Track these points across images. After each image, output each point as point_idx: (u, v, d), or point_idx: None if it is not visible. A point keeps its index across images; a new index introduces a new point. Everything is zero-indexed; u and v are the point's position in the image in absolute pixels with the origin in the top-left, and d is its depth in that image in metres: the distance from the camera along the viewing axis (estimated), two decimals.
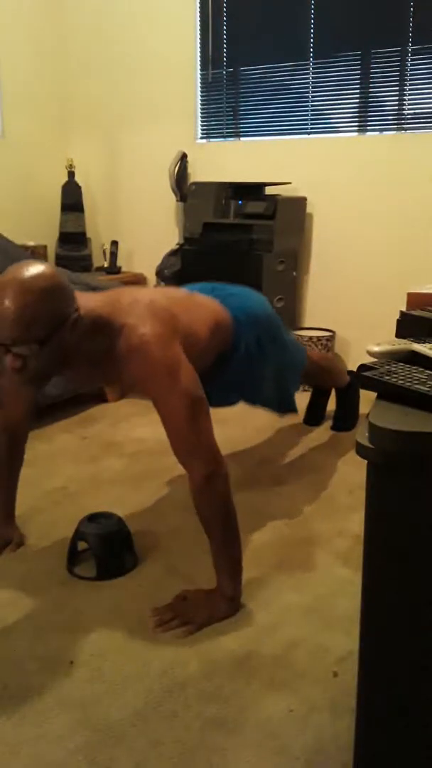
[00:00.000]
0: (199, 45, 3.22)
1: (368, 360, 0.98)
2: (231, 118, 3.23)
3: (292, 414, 2.04)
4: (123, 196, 3.62)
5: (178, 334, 1.42)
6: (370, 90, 2.87)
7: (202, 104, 3.29)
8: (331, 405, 2.52)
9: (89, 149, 3.65)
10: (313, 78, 2.98)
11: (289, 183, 3.04)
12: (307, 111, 3.03)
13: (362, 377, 0.90)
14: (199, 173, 3.33)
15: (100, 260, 3.57)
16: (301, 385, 2.30)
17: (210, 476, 1.36)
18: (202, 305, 1.65)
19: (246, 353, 1.72)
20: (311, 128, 3.04)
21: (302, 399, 2.45)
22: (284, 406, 1.99)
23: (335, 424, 2.47)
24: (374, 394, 0.88)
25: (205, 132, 3.32)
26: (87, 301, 1.38)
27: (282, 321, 1.94)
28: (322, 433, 2.46)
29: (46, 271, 1.23)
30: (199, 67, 3.24)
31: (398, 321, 1.19)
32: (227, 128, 3.25)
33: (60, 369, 1.35)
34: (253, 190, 3.02)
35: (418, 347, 1.00)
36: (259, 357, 1.76)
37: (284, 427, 2.50)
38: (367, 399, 2.51)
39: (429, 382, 0.85)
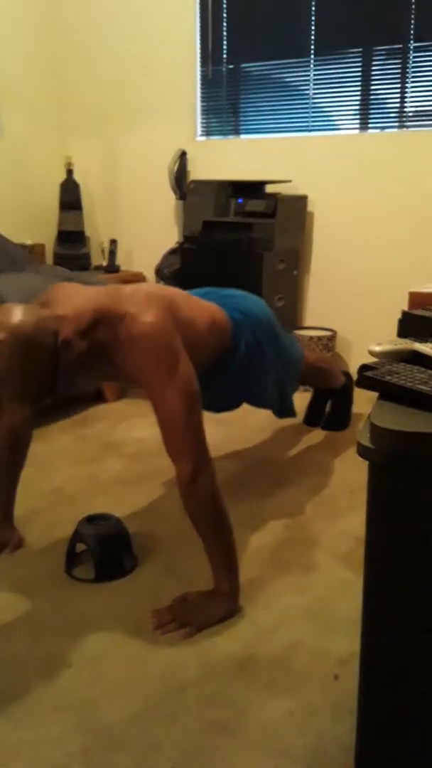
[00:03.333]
0: (199, 41, 3.20)
1: (369, 360, 0.97)
2: (231, 115, 3.22)
3: (290, 418, 2.03)
4: (122, 194, 3.61)
5: (178, 326, 1.42)
6: (372, 87, 2.85)
7: (202, 101, 3.28)
8: None
9: (88, 147, 3.64)
10: (314, 75, 2.97)
11: (290, 181, 3.03)
12: (308, 108, 3.02)
13: (364, 377, 0.89)
14: (198, 171, 3.32)
15: (98, 259, 3.56)
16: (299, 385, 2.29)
17: (196, 473, 1.36)
18: (200, 303, 1.65)
19: (246, 353, 1.71)
20: (312, 126, 3.03)
21: (302, 399, 2.44)
22: (283, 410, 1.98)
23: (327, 423, 2.46)
24: (376, 394, 0.87)
25: (204, 129, 3.31)
26: (82, 297, 1.38)
27: (280, 322, 1.93)
28: (322, 433, 2.45)
29: (8, 337, 1.22)
30: (199, 64, 3.23)
31: (400, 320, 1.18)
32: (227, 125, 3.24)
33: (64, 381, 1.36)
34: (253, 189, 3.01)
35: (419, 347, 0.99)
36: (258, 357, 1.75)
37: (284, 427, 2.49)
38: (368, 399, 2.50)
39: (431, 382, 0.84)
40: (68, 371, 1.33)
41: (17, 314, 1.26)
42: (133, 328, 1.35)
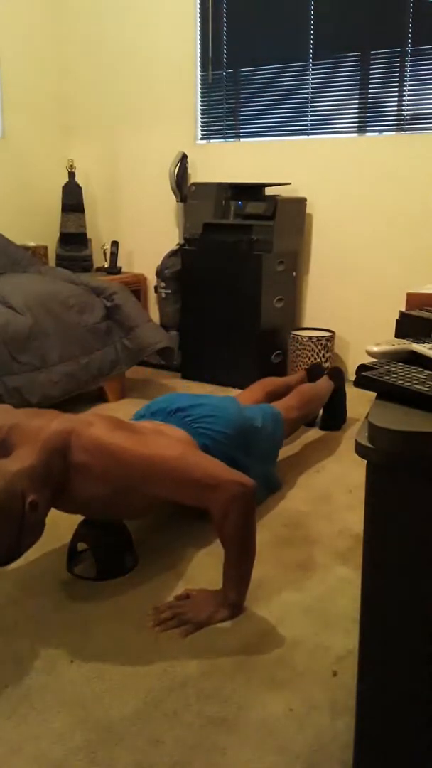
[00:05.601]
0: (199, 46, 3.22)
1: (368, 360, 0.98)
2: (231, 118, 3.23)
3: (278, 490, 1.99)
4: (123, 196, 3.62)
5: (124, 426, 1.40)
6: (370, 91, 2.87)
7: (202, 105, 3.29)
8: None
9: (90, 150, 3.65)
10: (312, 79, 2.98)
11: (289, 184, 3.05)
12: (306, 112, 3.04)
13: (362, 377, 0.90)
14: (199, 174, 3.33)
15: (100, 260, 3.58)
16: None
17: (235, 497, 1.33)
18: (170, 437, 1.59)
19: None
20: (311, 129, 3.04)
21: None
22: (270, 487, 1.96)
23: (324, 423, 2.48)
24: (374, 394, 0.88)
25: (205, 133, 3.32)
26: (28, 430, 1.34)
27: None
28: (319, 432, 2.47)
29: None
30: (199, 68, 3.25)
31: (397, 321, 1.19)
32: (227, 129, 3.26)
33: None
34: (252, 191, 3.02)
35: (417, 347, 1.00)
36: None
37: None
38: (366, 399, 2.52)
39: (428, 382, 0.85)
40: (34, 531, 1.29)
41: None
42: (82, 453, 1.32)
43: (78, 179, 3.52)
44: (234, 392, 2.62)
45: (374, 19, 2.78)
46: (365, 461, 0.78)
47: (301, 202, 3.02)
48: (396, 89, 2.81)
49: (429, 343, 1.03)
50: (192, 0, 3.17)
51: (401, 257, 2.90)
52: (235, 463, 1.70)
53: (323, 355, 2.95)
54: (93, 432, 1.35)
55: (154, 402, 1.84)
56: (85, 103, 3.62)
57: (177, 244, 3.26)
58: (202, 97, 3.28)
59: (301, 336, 2.95)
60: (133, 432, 1.41)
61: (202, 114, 3.31)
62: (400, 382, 0.85)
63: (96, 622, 1.39)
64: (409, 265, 2.87)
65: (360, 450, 0.78)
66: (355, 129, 2.94)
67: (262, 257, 2.85)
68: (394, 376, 0.88)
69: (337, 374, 2.45)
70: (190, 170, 3.34)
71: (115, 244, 3.44)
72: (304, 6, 2.92)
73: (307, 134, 3.06)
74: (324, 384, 2.37)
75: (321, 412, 2.48)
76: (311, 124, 3.04)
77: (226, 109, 3.23)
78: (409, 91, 2.78)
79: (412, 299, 1.31)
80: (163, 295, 3.25)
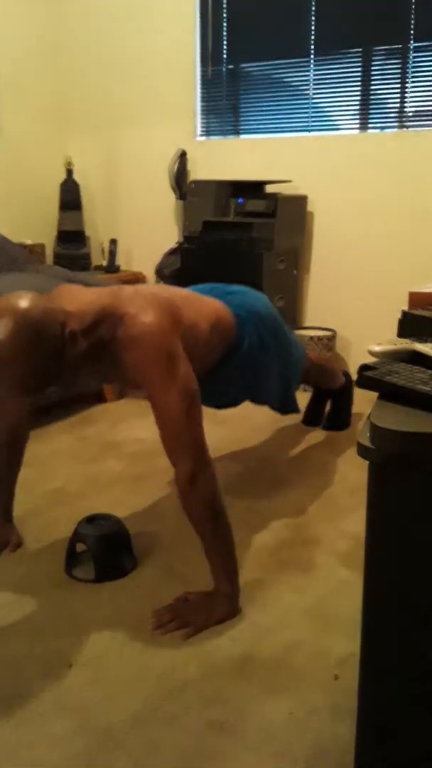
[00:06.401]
0: (199, 41, 3.20)
1: (369, 360, 0.97)
2: (231, 115, 3.22)
3: (293, 413, 2.04)
4: (122, 194, 3.61)
5: (179, 327, 1.42)
6: (372, 87, 2.85)
7: (202, 101, 3.28)
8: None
9: (88, 147, 3.64)
10: (314, 75, 2.97)
11: (290, 181, 3.03)
12: (308, 108, 3.02)
13: (364, 377, 0.89)
14: (198, 171, 3.32)
15: (99, 259, 3.56)
16: (300, 384, 2.29)
17: (196, 474, 1.36)
18: (203, 301, 1.65)
19: (249, 350, 1.72)
20: (312, 126, 3.03)
21: (302, 399, 2.44)
22: (287, 406, 1.98)
23: (328, 423, 2.47)
24: (375, 394, 0.87)
25: (204, 129, 3.31)
26: (86, 297, 1.38)
27: (283, 319, 1.93)
28: (322, 433, 2.46)
29: (17, 319, 1.21)
30: (198, 64, 3.23)
31: (400, 320, 1.19)
32: (227, 125, 3.24)
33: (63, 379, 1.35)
34: (253, 189, 3.01)
35: (419, 347, 0.99)
36: (262, 353, 1.75)
37: (284, 427, 2.49)
38: (368, 399, 2.51)
39: (431, 383, 0.84)
40: (70, 366, 1.32)
41: (26, 300, 1.25)
42: (132, 329, 1.35)
43: (76, 177, 3.51)
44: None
45: (376, 15, 2.76)
46: (367, 462, 0.77)
47: (302, 200, 3.00)
48: (398, 85, 2.79)
49: (431, 342, 1.02)
50: None
51: (403, 255, 2.88)
52: (262, 340, 1.74)
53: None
54: (143, 321, 1.36)
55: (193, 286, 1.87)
56: (83, 99, 3.61)
57: (176, 242, 3.25)
58: (202, 93, 3.27)
59: (302, 335, 2.94)
60: (176, 348, 1.39)
61: (202, 110, 3.29)
62: (402, 382, 0.85)
63: (95, 625, 1.38)
64: (411, 264, 2.86)
65: (362, 451, 0.77)
66: (357, 126, 2.92)
67: (262, 255, 2.84)
68: (396, 376, 0.87)
69: (347, 375, 2.45)
70: (189, 167, 3.32)
71: (113, 242, 3.43)
72: (306, 1, 2.90)
73: (309, 131, 3.04)
74: (338, 371, 2.38)
75: (326, 411, 2.47)
76: (312, 121, 3.02)
77: (226, 106, 3.22)
78: (412, 87, 2.76)
79: (415, 298, 1.30)
80: None
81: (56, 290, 1.49)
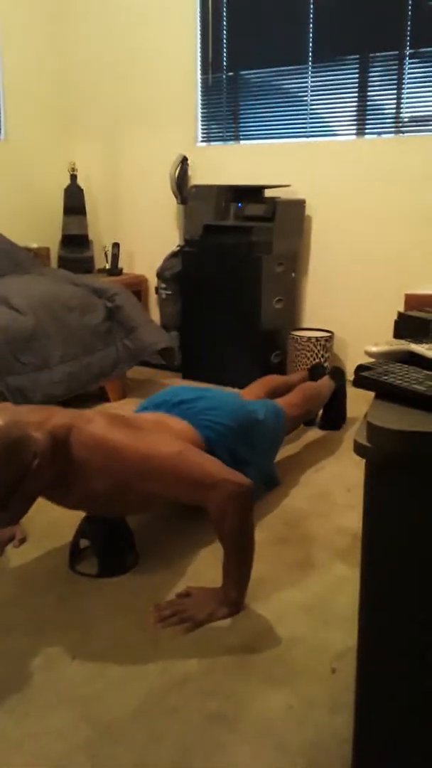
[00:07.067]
0: (199, 49, 3.23)
1: (366, 360, 0.99)
2: (231, 121, 3.25)
3: (277, 487, 2.00)
4: (124, 198, 3.63)
5: (127, 423, 1.41)
6: (369, 93, 2.88)
7: (202, 108, 3.31)
8: None
9: (91, 153, 3.66)
10: (312, 82, 3.00)
11: (289, 185, 3.06)
12: (306, 114, 3.05)
13: (360, 377, 0.90)
14: (199, 176, 3.34)
15: (102, 262, 3.59)
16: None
17: (225, 503, 1.33)
18: (172, 427, 1.61)
19: None
20: (310, 131, 3.06)
21: None
22: (269, 483, 1.97)
23: (324, 423, 2.49)
24: (372, 394, 0.89)
25: (205, 135, 3.34)
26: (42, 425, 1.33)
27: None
28: (319, 432, 2.48)
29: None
30: (199, 71, 3.26)
31: (396, 322, 1.20)
32: (227, 132, 3.27)
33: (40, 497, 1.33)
34: (252, 193, 3.03)
35: (415, 347, 1.01)
36: (236, 466, 1.65)
37: None
38: (365, 399, 2.52)
39: (426, 382, 0.86)
40: (26, 497, 1.28)
41: (7, 418, 1.23)
42: (84, 440, 1.32)
43: (79, 182, 3.53)
44: (234, 392, 2.62)
45: (373, 23, 2.79)
46: (364, 460, 0.79)
47: (300, 204, 3.03)
48: (394, 92, 2.82)
49: (427, 343, 1.04)
50: (192, 3, 3.19)
51: (399, 258, 2.91)
52: (236, 456, 1.71)
53: (322, 356, 2.96)
54: (92, 428, 1.36)
55: (157, 394, 1.85)
56: (87, 105, 3.63)
57: (177, 246, 3.27)
58: (202, 100, 3.29)
59: (300, 336, 2.96)
60: (133, 428, 1.42)
61: (202, 117, 3.32)
62: (398, 382, 0.86)
63: (97, 620, 1.40)
64: (407, 266, 2.88)
65: (359, 449, 0.78)
66: (354, 131, 2.95)
67: (261, 258, 2.86)
68: (393, 376, 0.89)
69: (337, 374, 2.46)
70: (190, 172, 3.35)
71: (116, 245, 3.46)
72: (304, 9, 2.93)
73: (307, 137, 3.07)
74: (325, 383, 2.38)
75: (321, 411, 2.49)
76: (310, 127, 3.05)
77: (226, 112, 3.25)
78: (408, 93, 2.80)
79: (411, 300, 1.32)
80: (164, 296, 3.26)
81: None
